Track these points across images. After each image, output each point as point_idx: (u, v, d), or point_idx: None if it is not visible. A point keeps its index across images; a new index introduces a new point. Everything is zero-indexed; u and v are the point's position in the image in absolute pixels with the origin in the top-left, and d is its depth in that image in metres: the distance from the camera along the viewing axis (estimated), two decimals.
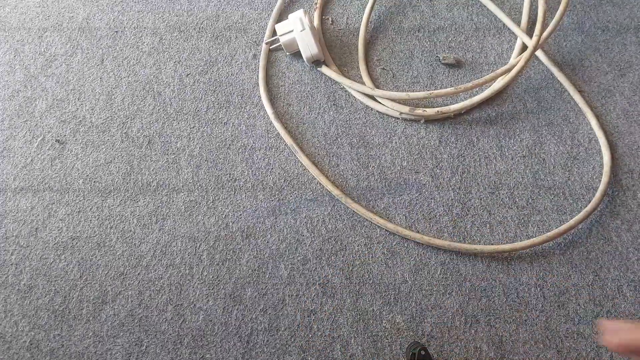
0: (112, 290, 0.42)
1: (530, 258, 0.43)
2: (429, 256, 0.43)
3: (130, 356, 0.40)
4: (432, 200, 0.46)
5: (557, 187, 0.46)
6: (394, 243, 0.43)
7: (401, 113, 0.49)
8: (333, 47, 0.54)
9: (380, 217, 0.44)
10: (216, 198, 0.46)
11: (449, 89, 0.48)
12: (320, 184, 0.46)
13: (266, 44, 0.53)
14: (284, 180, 0.46)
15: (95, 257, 0.44)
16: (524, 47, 0.51)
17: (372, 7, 0.54)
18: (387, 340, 0.40)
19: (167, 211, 0.46)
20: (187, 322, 0.41)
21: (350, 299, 0.41)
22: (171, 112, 0.51)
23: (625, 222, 0.44)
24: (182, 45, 0.55)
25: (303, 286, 0.42)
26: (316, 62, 0.52)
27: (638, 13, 0.55)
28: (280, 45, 0.52)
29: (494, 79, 0.48)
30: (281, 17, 0.55)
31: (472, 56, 0.53)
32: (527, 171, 0.47)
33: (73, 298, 0.42)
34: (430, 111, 0.48)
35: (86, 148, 0.49)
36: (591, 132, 0.48)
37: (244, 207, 0.45)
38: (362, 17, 0.54)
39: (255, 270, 0.43)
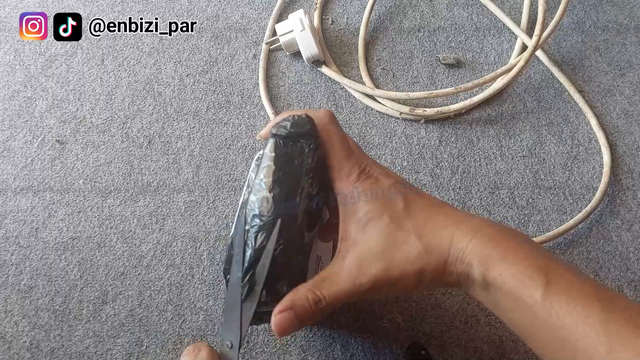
0: (113, 290, 0.42)
1: None
2: None
3: (130, 356, 0.40)
4: None
5: (557, 187, 0.46)
6: None
7: (401, 113, 0.49)
8: (333, 47, 0.54)
9: None
10: (216, 198, 0.46)
11: (449, 89, 0.48)
12: None
13: (266, 44, 0.53)
14: None
15: (96, 257, 0.44)
16: (524, 47, 0.52)
17: (372, 7, 0.54)
18: (387, 340, 0.40)
19: (168, 211, 0.46)
20: (187, 322, 0.41)
21: None
22: (171, 112, 0.51)
23: (626, 222, 0.44)
24: (182, 45, 0.55)
25: None
26: (316, 62, 0.52)
27: (638, 13, 0.55)
28: (280, 45, 0.52)
29: (494, 79, 0.48)
30: (281, 17, 0.55)
31: (472, 56, 0.53)
32: (527, 171, 0.47)
33: (73, 298, 0.42)
34: (430, 111, 0.48)
35: (86, 148, 0.49)
36: (591, 131, 0.48)
37: None
38: (362, 17, 0.54)
39: None
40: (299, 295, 0.27)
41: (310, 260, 0.31)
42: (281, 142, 0.29)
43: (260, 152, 0.31)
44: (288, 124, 0.29)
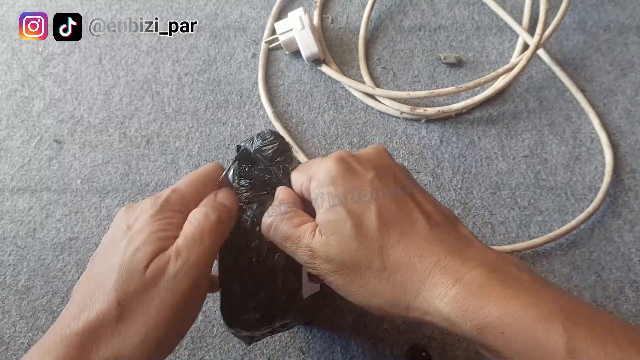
0: None
1: (532, 259, 0.43)
2: None
3: None
4: None
5: (559, 187, 0.46)
6: None
7: (402, 112, 0.49)
8: (333, 46, 0.54)
9: None
10: None
11: (450, 88, 0.47)
12: None
13: (265, 43, 0.53)
14: None
15: None
16: (526, 46, 0.51)
17: (372, 6, 0.54)
18: (387, 342, 0.39)
19: None
20: None
21: None
22: (169, 112, 0.50)
23: (628, 223, 0.44)
24: (181, 44, 0.54)
25: None
26: (316, 61, 0.52)
27: None
28: (279, 44, 0.52)
29: (495, 78, 0.48)
30: (281, 15, 0.55)
31: (474, 55, 0.52)
32: (529, 171, 0.46)
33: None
34: (431, 110, 0.48)
35: (84, 148, 0.49)
36: (593, 131, 0.48)
37: None
38: (362, 16, 0.54)
39: None
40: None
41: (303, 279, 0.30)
42: (247, 171, 0.28)
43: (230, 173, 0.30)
44: (259, 142, 0.29)
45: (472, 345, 0.21)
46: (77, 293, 0.25)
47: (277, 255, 0.28)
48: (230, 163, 0.30)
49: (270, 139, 0.29)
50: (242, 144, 0.30)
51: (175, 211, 0.26)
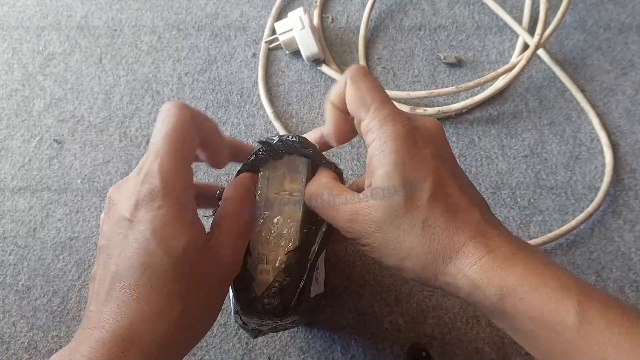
0: None
1: None
2: None
3: None
4: None
5: (559, 186, 0.46)
6: None
7: None
8: (333, 46, 0.54)
9: None
10: None
11: (450, 88, 0.47)
12: None
13: (265, 42, 0.53)
14: None
15: (94, 257, 0.44)
16: (526, 46, 0.51)
17: (372, 5, 0.54)
18: (387, 342, 0.40)
19: None
20: None
21: (351, 300, 0.41)
22: None
23: (628, 222, 0.44)
24: (181, 43, 0.54)
25: None
26: (316, 61, 0.52)
27: None
28: (279, 44, 0.52)
29: (495, 78, 0.48)
30: (281, 15, 0.55)
31: (474, 55, 0.52)
32: (529, 171, 0.46)
33: (71, 299, 0.42)
34: (431, 110, 0.48)
35: (84, 147, 0.49)
36: (593, 131, 0.48)
37: None
38: (362, 15, 0.54)
39: None
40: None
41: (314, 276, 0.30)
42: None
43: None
44: (296, 143, 0.29)
45: (486, 318, 0.23)
46: (119, 292, 0.23)
47: (309, 246, 0.28)
48: (256, 152, 0.30)
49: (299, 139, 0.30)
50: (265, 139, 0.30)
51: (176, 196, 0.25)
